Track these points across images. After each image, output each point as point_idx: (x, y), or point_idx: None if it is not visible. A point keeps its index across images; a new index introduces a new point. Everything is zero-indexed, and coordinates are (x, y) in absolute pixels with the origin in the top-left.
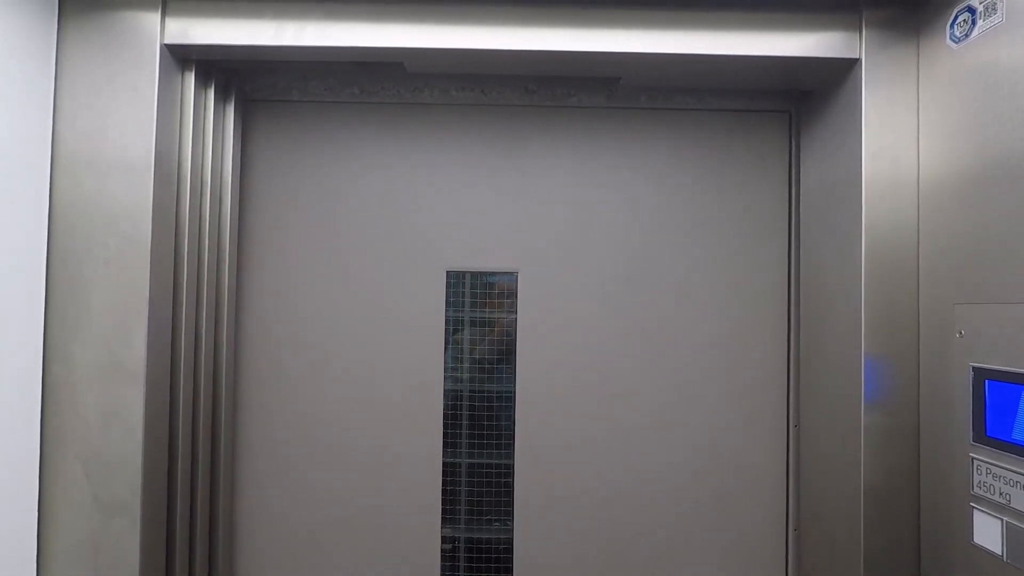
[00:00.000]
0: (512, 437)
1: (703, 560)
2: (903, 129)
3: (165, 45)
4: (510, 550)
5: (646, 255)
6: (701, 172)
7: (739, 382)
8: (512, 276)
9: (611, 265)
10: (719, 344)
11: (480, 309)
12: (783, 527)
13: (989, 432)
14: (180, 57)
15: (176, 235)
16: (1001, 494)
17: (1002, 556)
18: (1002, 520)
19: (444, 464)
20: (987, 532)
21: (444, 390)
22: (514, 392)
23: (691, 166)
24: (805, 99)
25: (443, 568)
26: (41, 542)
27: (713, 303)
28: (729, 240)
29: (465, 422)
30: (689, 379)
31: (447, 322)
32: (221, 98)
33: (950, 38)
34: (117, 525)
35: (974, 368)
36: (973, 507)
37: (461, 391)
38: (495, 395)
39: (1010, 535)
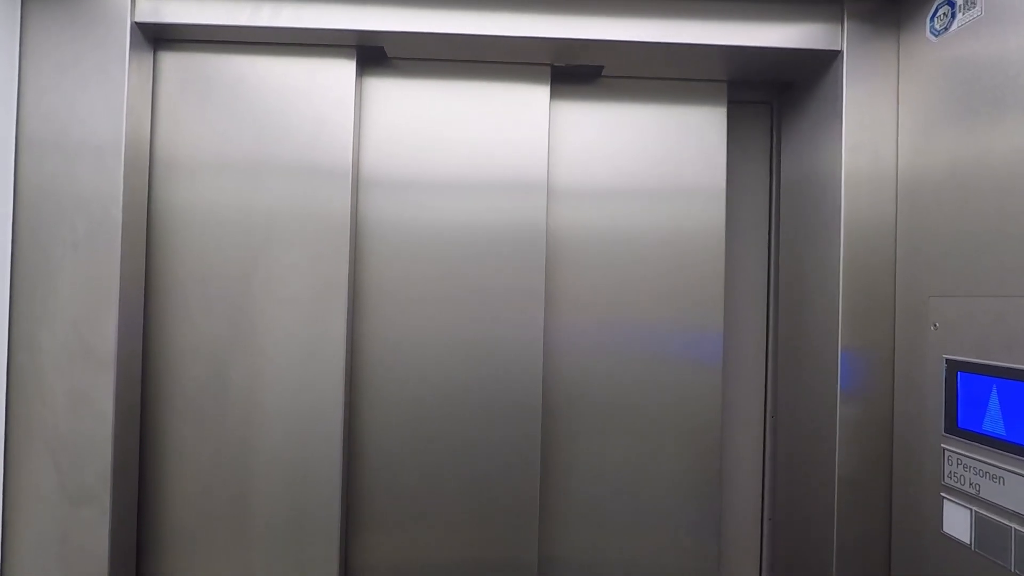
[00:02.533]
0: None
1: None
2: (883, 123)
3: (136, 23)
4: None
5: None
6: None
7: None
8: None
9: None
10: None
11: None
12: (759, 515)
13: (960, 423)
14: (151, 36)
15: (149, 218)
16: (971, 484)
17: (971, 545)
18: (971, 510)
19: None
20: (956, 522)
21: None
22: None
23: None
24: (786, 91)
25: None
26: (6, 532)
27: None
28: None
29: None
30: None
31: None
32: None
33: (930, 31)
34: (85, 515)
35: (947, 360)
36: (944, 497)
37: None
38: None
39: (979, 525)
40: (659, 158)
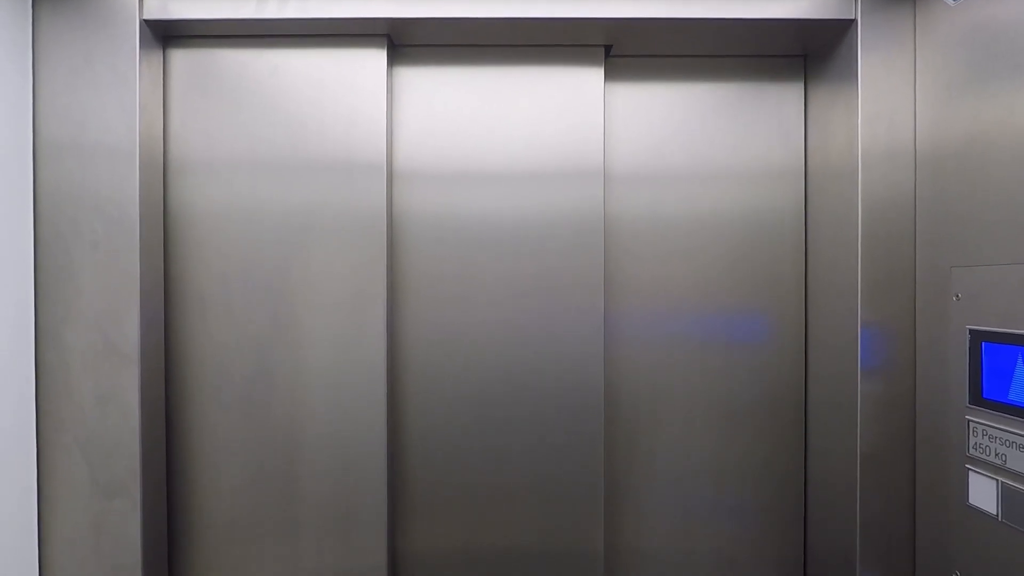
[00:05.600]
0: None
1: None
2: (900, 92)
3: (144, 21)
4: None
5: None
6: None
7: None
8: None
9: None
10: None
11: None
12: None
13: (985, 394)
14: (161, 33)
15: (170, 217)
16: (997, 455)
17: (997, 516)
18: (997, 480)
19: None
20: (983, 493)
21: None
22: None
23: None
24: (809, 66)
25: None
26: (43, 526)
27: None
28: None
29: None
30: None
31: None
32: None
33: None
34: (117, 506)
35: (971, 331)
36: (969, 469)
37: None
38: None
39: (1005, 495)
40: (725, 137)
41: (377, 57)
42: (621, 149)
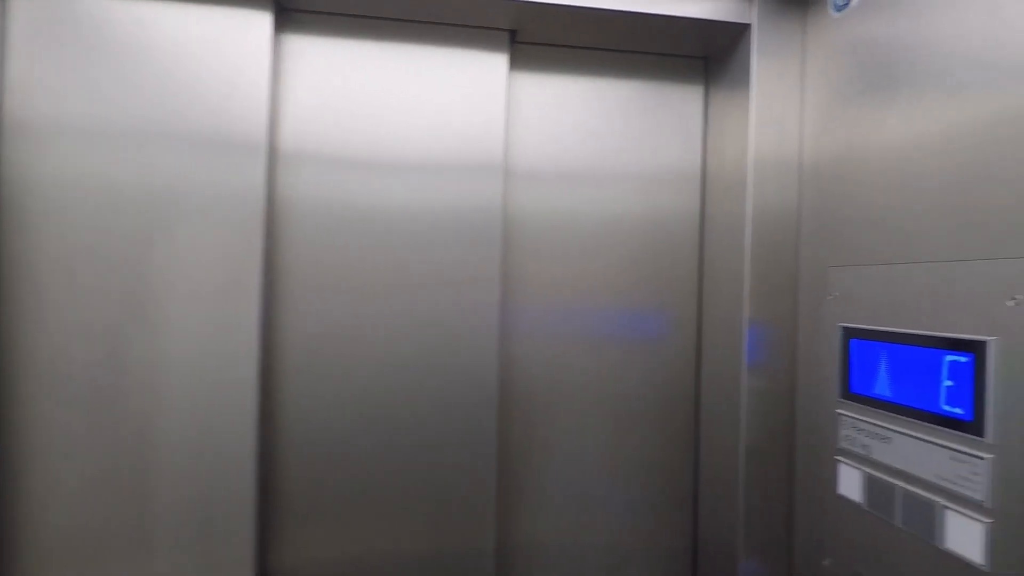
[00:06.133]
0: None
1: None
2: (790, 98)
3: None
4: None
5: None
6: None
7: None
8: None
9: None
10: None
11: None
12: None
13: (853, 388)
14: None
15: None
16: (862, 446)
17: (862, 504)
18: (862, 471)
19: None
20: (850, 483)
21: None
22: None
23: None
24: (710, 69)
25: None
26: None
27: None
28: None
29: None
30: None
31: None
32: None
33: (832, 6)
34: None
35: (843, 328)
36: (838, 460)
37: None
38: None
39: (869, 484)
40: (627, 137)
41: (261, 19)
42: (525, 142)
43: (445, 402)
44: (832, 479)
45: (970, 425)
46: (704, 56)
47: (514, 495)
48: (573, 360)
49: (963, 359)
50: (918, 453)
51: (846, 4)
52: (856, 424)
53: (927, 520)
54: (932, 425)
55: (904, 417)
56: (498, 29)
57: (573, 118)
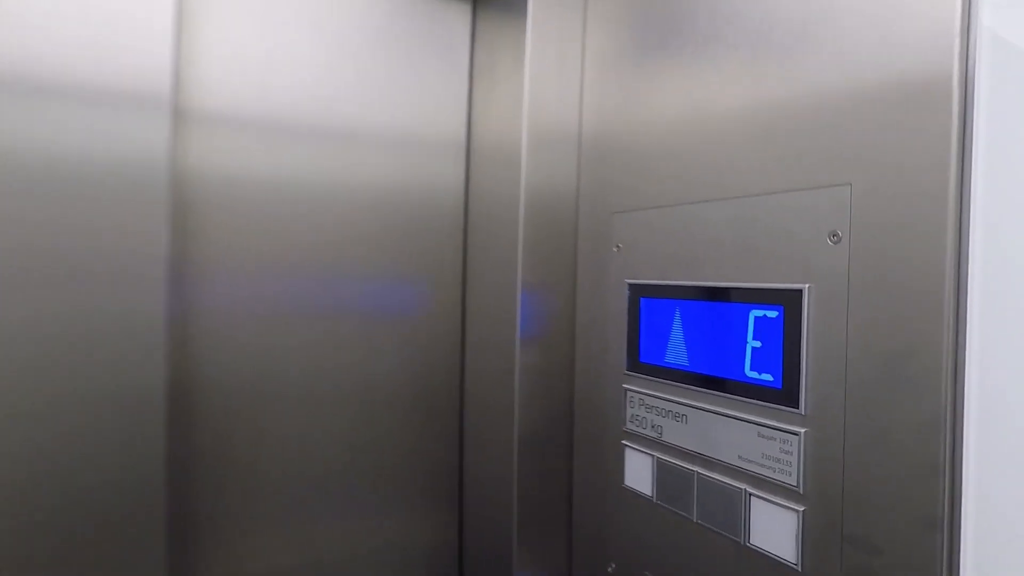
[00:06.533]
0: None
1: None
2: (568, 32)
3: None
4: None
5: None
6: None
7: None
8: None
9: None
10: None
11: None
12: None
13: (643, 358)
14: None
15: None
16: (653, 427)
17: (652, 497)
18: (653, 457)
19: None
20: (638, 472)
21: None
22: None
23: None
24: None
25: None
26: None
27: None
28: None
29: None
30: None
31: None
32: None
33: None
34: None
35: (630, 285)
36: (626, 445)
37: None
38: None
39: (661, 473)
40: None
41: None
42: (209, 70)
43: (98, 413)
44: (618, 469)
45: (780, 394)
46: None
47: (200, 518)
48: (294, 346)
49: (772, 314)
50: (719, 432)
51: None
52: (645, 401)
53: (730, 513)
54: (736, 397)
55: (703, 389)
56: None
57: (282, 37)
